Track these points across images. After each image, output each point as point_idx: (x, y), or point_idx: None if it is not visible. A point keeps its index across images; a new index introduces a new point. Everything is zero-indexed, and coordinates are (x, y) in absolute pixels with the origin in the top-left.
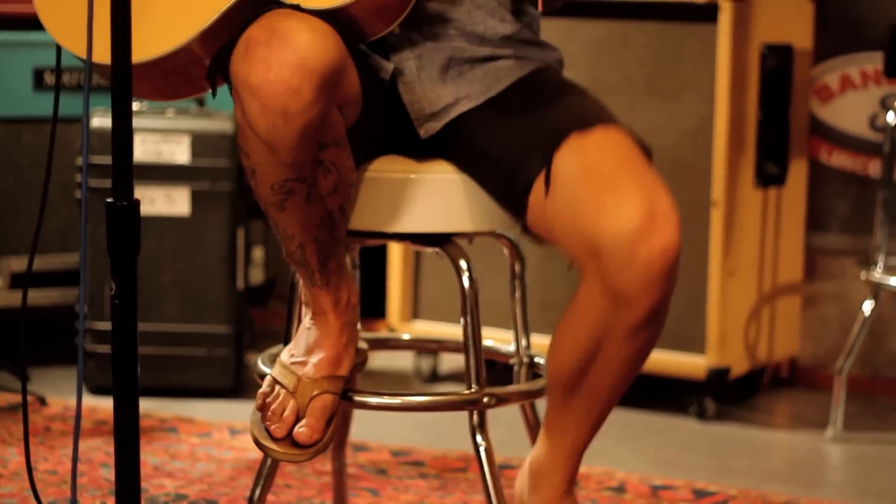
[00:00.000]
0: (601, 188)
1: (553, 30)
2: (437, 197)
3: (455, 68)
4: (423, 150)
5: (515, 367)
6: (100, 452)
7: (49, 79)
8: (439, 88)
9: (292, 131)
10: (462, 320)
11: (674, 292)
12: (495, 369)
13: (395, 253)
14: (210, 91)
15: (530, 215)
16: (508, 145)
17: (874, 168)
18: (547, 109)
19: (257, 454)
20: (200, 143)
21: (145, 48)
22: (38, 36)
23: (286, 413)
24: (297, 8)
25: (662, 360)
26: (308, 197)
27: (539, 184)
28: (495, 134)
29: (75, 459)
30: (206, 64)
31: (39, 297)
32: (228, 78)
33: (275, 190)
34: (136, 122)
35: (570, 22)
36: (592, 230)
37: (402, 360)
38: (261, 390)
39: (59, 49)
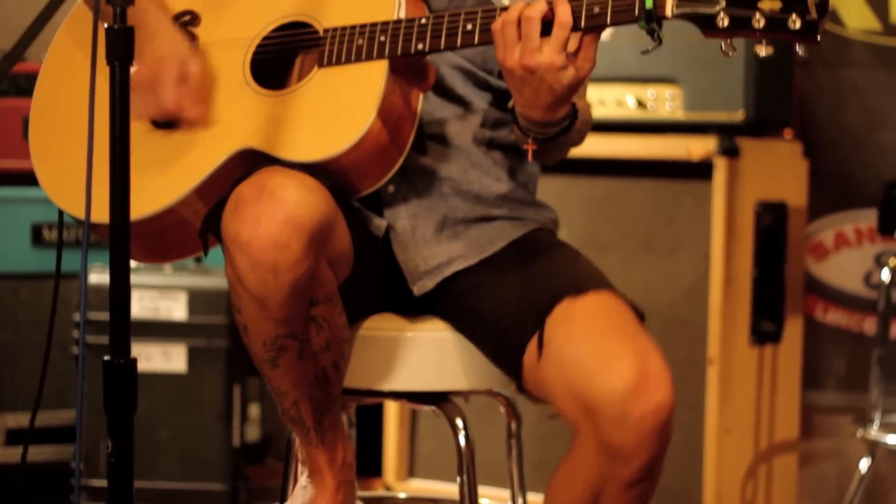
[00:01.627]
0: (593, 349)
1: (549, 187)
2: (432, 355)
3: (450, 228)
4: (416, 307)
5: None
6: None
7: (47, 235)
8: (434, 247)
9: (282, 287)
10: (458, 479)
11: (669, 450)
12: None
13: (391, 411)
14: (202, 251)
15: (525, 375)
16: (502, 307)
17: (869, 325)
18: (540, 272)
19: None
20: (197, 299)
21: (141, 205)
22: (36, 192)
23: None
24: (288, 164)
25: None
26: (300, 354)
27: (532, 346)
28: (489, 295)
29: None
30: (198, 223)
31: (35, 453)
32: (220, 236)
33: (267, 346)
34: (134, 278)
35: (565, 179)
36: (586, 390)
37: None
38: None
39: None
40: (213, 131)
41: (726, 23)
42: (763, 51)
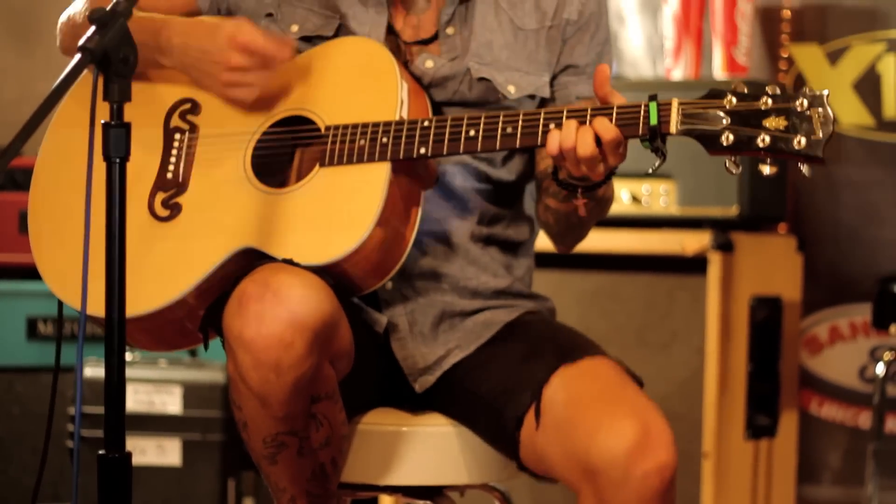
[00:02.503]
0: (593, 410)
1: (543, 281)
2: (428, 449)
3: (447, 322)
4: (417, 401)
5: None
6: None
7: (42, 328)
8: (432, 342)
9: (284, 385)
10: None
11: None
12: None
13: None
14: (203, 344)
15: (523, 450)
16: (498, 385)
17: (864, 420)
18: (535, 347)
19: None
20: (192, 393)
21: (141, 302)
22: (32, 286)
23: None
24: (289, 262)
25: None
26: (300, 450)
27: (529, 418)
28: (485, 376)
29: None
30: (199, 317)
31: None
32: (221, 331)
33: (266, 443)
34: (129, 372)
35: (560, 274)
36: (586, 452)
37: None
38: None
39: (60, 301)
40: (214, 228)
41: (731, 141)
42: (767, 169)
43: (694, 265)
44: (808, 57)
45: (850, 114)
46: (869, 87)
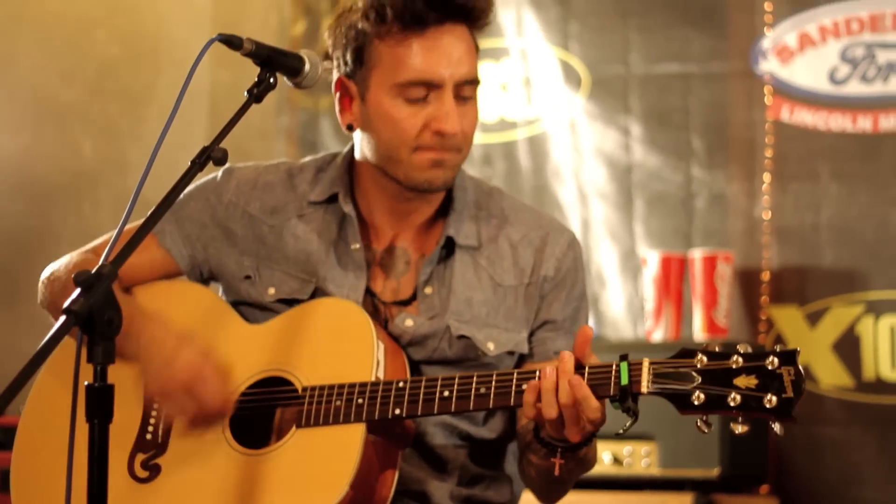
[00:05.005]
0: None
1: None
2: None
3: None
4: None
5: None
6: None
7: None
8: None
9: None
10: None
11: None
12: None
13: None
14: None
15: None
16: None
17: None
18: None
19: None
20: None
21: None
22: None
23: None
24: None
25: None
26: None
27: None
28: None
29: None
30: None
31: None
32: None
33: None
34: None
35: None
36: None
37: None
38: None
39: None
40: (192, 490)
41: (702, 400)
42: (738, 428)
43: None
44: (788, 319)
45: (830, 375)
46: (848, 348)
